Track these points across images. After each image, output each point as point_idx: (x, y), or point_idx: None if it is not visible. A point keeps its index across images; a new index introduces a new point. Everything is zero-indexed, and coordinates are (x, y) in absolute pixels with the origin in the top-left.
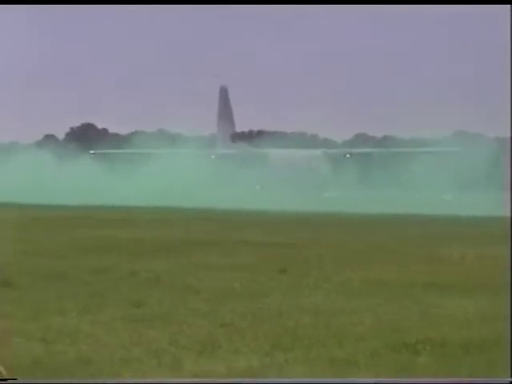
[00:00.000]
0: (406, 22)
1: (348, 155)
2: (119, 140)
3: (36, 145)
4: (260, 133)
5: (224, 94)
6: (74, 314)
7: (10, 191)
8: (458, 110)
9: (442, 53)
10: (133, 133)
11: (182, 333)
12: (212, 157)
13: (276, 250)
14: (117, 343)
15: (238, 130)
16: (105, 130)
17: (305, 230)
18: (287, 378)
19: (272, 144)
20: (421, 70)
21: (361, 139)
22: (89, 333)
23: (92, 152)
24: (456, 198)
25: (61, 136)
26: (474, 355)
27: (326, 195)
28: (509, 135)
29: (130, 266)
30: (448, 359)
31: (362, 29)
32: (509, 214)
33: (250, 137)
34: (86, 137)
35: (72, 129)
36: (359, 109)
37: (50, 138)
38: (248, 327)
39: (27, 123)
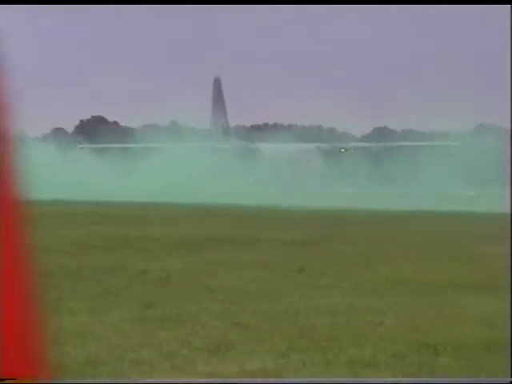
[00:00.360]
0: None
1: (343, 149)
2: (129, 133)
3: (43, 138)
4: (275, 126)
5: (217, 85)
6: (84, 314)
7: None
8: (479, 104)
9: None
10: (144, 126)
11: (195, 334)
12: (203, 151)
13: (292, 248)
14: (127, 345)
15: (254, 122)
16: (115, 123)
17: (319, 226)
18: (294, 378)
19: (287, 138)
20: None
21: (380, 133)
22: (98, 334)
23: (81, 146)
24: (476, 194)
25: (70, 129)
26: (496, 356)
27: (327, 191)
28: None
29: (141, 264)
30: (469, 360)
31: (374, 25)
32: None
33: (265, 129)
34: (95, 130)
35: (82, 122)
36: (381, 103)
37: (58, 130)
38: (263, 327)
39: (37, 115)
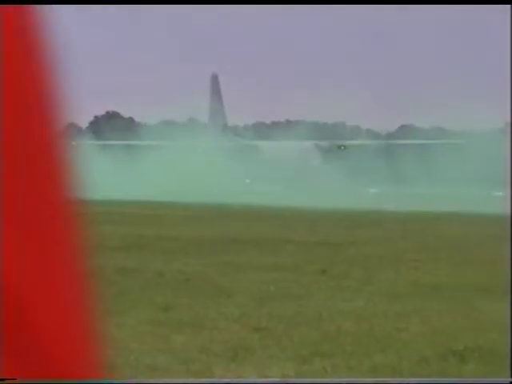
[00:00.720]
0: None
1: (343, 147)
2: (145, 130)
3: None
4: (297, 123)
5: (215, 82)
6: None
7: None
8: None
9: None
10: (161, 122)
11: (213, 338)
12: (199, 150)
13: (314, 249)
14: (143, 349)
15: (275, 119)
16: (131, 119)
17: (342, 227)
18: (296, 378)
19: (309, 135)
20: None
21: (406, 130)
22: (113, 337)
23: (73, 143)
24: (505, 194)
25: (84, 125)
26: None
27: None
28: None
29: (158, 265)
30: (498, 367)
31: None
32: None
33: (285, 126)
34: (109, 126)
35: (96, 117)
36: (407, 100)
37: (71, 126)
38: (284, 332)
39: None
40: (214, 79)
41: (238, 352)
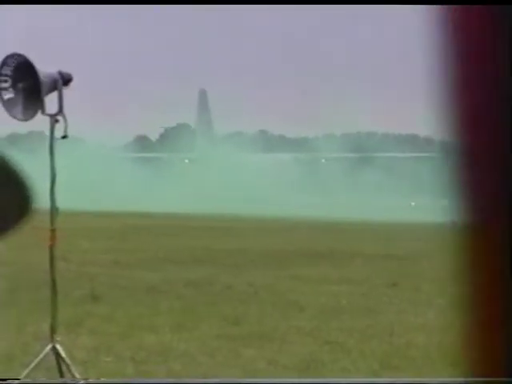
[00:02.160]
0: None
1: (323, 160)
2: (211, 141)
3: (124, 147)
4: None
5: (203, 97)
6: (167, 331)
7: (93, 198)
8: None
9: None
10: (230, 134)
11: (283, 352)
12: (186, 161)
13: (383, 262)
14: (211, 363)
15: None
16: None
17: (406, 240)
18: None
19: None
20: None
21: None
22: (182, 351)
23: None
24: None
25: (154, 137)
26: None
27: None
28: None
29: (227, 278)
30: None
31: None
32: None
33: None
34: (178, 138)
35: (166, 129)
36: None
37: (141, 139)
38: (355, 345)
39: (119, 122)
40: (202, 94)
41: (308, 365)
